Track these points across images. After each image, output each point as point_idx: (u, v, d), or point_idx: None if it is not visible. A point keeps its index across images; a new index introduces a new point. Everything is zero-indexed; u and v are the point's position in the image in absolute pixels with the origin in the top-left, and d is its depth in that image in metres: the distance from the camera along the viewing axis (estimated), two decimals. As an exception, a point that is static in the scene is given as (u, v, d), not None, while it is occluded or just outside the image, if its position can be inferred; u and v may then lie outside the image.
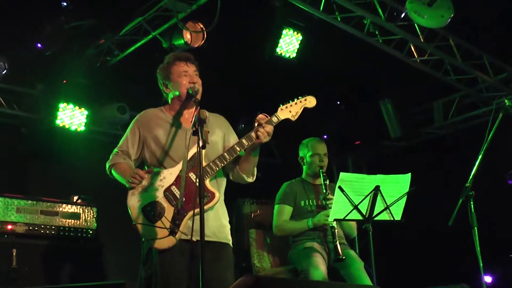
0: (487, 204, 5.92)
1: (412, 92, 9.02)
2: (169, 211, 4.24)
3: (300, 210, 6.21)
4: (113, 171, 4.51)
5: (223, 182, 4.60)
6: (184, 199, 4.13)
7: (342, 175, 5.22)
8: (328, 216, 5.64)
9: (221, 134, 4.63)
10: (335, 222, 5.78)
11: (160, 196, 4.30)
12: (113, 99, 8.06)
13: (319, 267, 5.62)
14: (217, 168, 4.37)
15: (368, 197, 5.20)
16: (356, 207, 5.21)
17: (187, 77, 4.50)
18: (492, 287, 8.06)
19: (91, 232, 6.95)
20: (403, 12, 6.91)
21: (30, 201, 6.59)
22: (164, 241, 4.19)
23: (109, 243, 7.16)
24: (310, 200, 6.21)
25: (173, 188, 4.31)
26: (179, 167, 4.33)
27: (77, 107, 7.85)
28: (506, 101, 5.42)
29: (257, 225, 6.73)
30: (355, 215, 5.27)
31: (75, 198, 7.08)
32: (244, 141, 4.40)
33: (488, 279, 7.98)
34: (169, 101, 4.64)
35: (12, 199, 6.46)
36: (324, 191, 6.05)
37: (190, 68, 4.54)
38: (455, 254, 7.98)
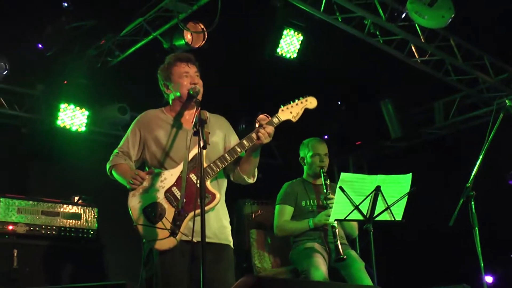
0: (488, 204, 5.92)
1: (412, 92, 9.02)
2: (169, 212, 4.24)
3: (301, 210, 6.21)
4: (113, 172, 4.50)
5: (224, 183, 4.59)
6: (184, 200, 4.13)
7: (343, 175, 5.21)
8: (329, 216, 5.64)
9: (222, 135, 4.62)
10: (336, 221, 5.78)
11: (161, 197, 4.29)
12: (114, 100, 8.07)
13: (320, 268, 5.61)
14: (218, 169, 4.36)
15: (369, 197, 5.20)
16: (357, 207, 5.21)
17: (188, 78, 4.49)
18: (493, 287, 8.07)
19: (92, 232, 6.95)
20: (403, 12, 6.91)
21: (31, 202, 6.59)
22: (164, 242, 4.18)
23: (110, 243, 7.16)
24: (311, 200, 6.21)
25: (174, 189, 4.31)
26: (179, 168, 4.33)
27: (78, 108, 7.86)
28: (506, 101, 5.42)
29: (258, 226, 6.73)
30: (356, 215, 5.26)
31: (76, 198, 7.08)
32: (245, 142, 4.40)
33: (489, 279, 7.97)
34: (170, 102, 4.64)
35: (13, 199, 6.46)
36: (325, 191, 6.05)
37: (191, 69, 4.53)
38: (456, 254, 7.98)
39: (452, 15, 6.66)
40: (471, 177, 4.91)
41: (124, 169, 4.45)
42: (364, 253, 7.04)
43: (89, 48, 7.37)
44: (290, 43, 7.57)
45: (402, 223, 5.32)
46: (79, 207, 6.94)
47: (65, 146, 8.05)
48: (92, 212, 6.99)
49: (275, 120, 4.45)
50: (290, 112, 4.52)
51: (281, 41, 7.47)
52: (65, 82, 7.65)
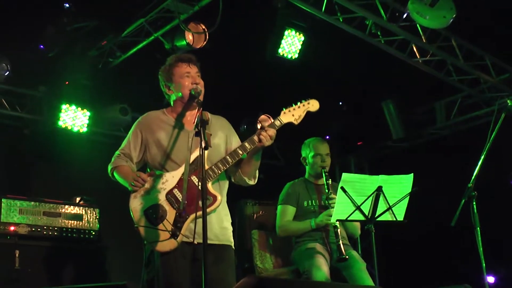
0: (490, 204, 5.92)
1: (414, 92, 9.01)
2: (171, 214, 4.24)
3: (303, 211, 6.21)
4: (115, 174, 4.50)
5: (226, 185, 4.59)
6: (186, 202, 4.13)
7: (344, 175, 5.21)
8: (330, 216, 5.64)
9: (224, 137, 4.62)
10: (338, 222, 5.78)
11: (162, 199, 4.30)
12: (115, 101, 8.07)
13: (322, 268, 5.62)
14: (219, 172, 4.36)
15: (371, 197, 5.20)
16: (358, 208, 5.21)
17: (189, 78, 4.49)
18: (494, 288, 8.08)
19: (93, 233, 6.95)
20: (405, 12, 6.90)
21: (32, 202, 6.59)
22: (165, 244, 4.19)
23: (111, 244, 7.16)
24: (313, 201, 6.22)
25: (175, 191, 4.31)
26: (181, 170, 4.34)
27: (79, 109, 7.84)
28: (508, 101, 5.41)
29: (259, 226, 6.74)
30: (358, 216, 5.26)
31: (78, 199, 7.08)
32: (246, 144, 4.40)
33: (490, 279, 7.97)
34: (171, 103, 4.64)
35: (14, 200, 6.47)
36: (327, 191, 6.05)
37: (192, 69, 4.53)
38: (458, 255, 7.98)
39: (454, 15, 6.66)
40: (473, 177, 4.91)
41: (126, 171, 4.45)
42: (366, 253, 7.06)
43: (91, 49, 7.36)
44: (291, 44, 7.56)
45: (404, 224, 5.31)
46: (81, 208, 6.94)
47: (67, 147, 8.04)
48: (94, 213, 6.99)
49: (277, 122, 4.45)
50: (292, 114, 4.53)
51: (283, 41, 7.45)
52: (67, 83, 7.64)
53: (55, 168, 8.14)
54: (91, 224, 6.94)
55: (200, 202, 3.79)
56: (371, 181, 5.21)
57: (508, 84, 8.30)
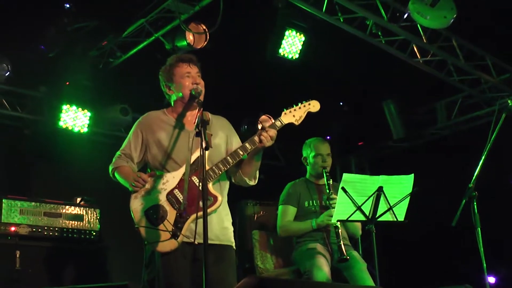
0: (491, 205, 5.92)
1: (414, 92, 9.01)
2: (171, 215, 4.24)
3: (304, 211, 6.22)
4: (116, 174, 4.50)
5: (226, 185, 4.59)
6: (186, 202, 4.13)
7: (345, 176, 5.21)
8: (331, 216, 5.64)
9: (224, 137, 4.61)
10: (339, 222, 5.78)
11: (162, 199, 4.30)
12: (116, 101, 8.07)
13: (323, 268, 5.62)
14: (220, 172, 4.36)
15: (371, 198, 5.20)
16: (359, 208, 5.21)
17: (190, 78, 4.49)
18: (495, 288, 8.07)
19: (94, 233, 6.95)
20: (405, 12, 6.90)
21: (33, 203, 6.60)
22: (166, 244, 4.19)
23: (112, 244, 7.16)
24: (314, 201, 6.22)
25: (176, 191, 4.31)
26: (182, 170, 4.33)
27: (80, 109, 7.85)
28: (509, 101, 5.41)
29: (260, 226, 6.75)
30: (358, 216, 5.26)
31: (78, 199, 7.08)
32: (247, 145, 4.40)
33: (491, 279, 7.96)
34: (172, 103, 4.63)
35: (15, 201, 6.47)
36: (328, 191, 6.05)
37: (192, 69, 4.53)
38: (459, 255, 7.98)
39: (454, 16, 6.66)
40: (474, 178, 4.91)
41: (127, 172, 4.45)
42: (366, 253, 7.06)
43: (91, 49, 7.36)
44: (292, 44, 7.56)
45: (404, 224, 5.31)
46: (81, 208, 6.94)
47: (67, 148, 8.04)
48: (94, 213, 6.99)
49: (278, 123, 4.45)
50: (293, 115, 4.52)
51: (283, 41, 7.45)
52: (67, 83, 7.64)
53: (56, 168, 8.14)
54: (91, 225, 6.94)
55: (200, 203, 3.78)
56: (372, 182, 5.21)
57: (509, 84, 8.30)
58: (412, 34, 7.33)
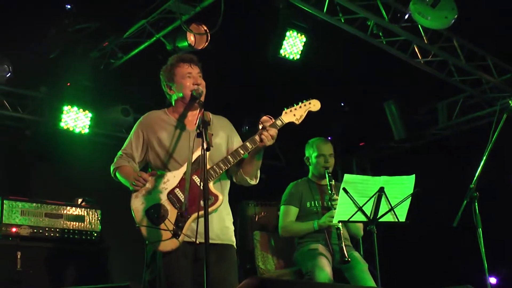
0: (492, 205, 5.91)
1: (416, 93, 9.01)
2: (172, 214, 4.24)
3: (306, 211, 6.21)
4: (117, 174, 4.50)
5: (227, 184, 4.59)
6: (187, 201, 4.13)
7: (346, 176, 5.21)
8: (333, 217, 5.63)
9: (225, 137, 4.61)
10: (340, 223, 5.78)
11: (163, 198, 4.29)
12: (117, 102, 8.07)
13: (325, 269, 5.62)
14: (221, 171, 4.36)
15: (373, 198, 5.19)
16: (360, 209, 5.20)
17: (191, 78, 4.48)
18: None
19: (95, 234, 6.95)
20: (406, 13, 6.90)
21: (34, 204, 6.59)
22: (167, 244, 4.19)
23: (113, 245, 7.16)
24: (316, 201, 6.21)
25: (177, 190, 4.31)
26: (183, 169, 4.33)
27: (81, 110, 7.86)
28: (510, 101, 5.40)
29: (261, 227, 6.74)
30: (360, 217, 5.26)
31: (80, 200, 7.08)
32: (248, 144, 4.39)
33: (493, 280, 7.96)
34: (173, 103, 4.63)
35: (16, 201, 6.47)
36: (330, 192, 6.05)
37: (194, 69, 4.52)
38: (460, 255, 7.97)
39: (455, 16, 6.65)
40: (475, 178, 4.90)
41: (128, 171, 4.44)
42: (367, 254, 7.05)
43: (92, 50, 7.37)
44: (293, 45, 7.56)
45: (406, 224, 5.31)
46: (83, 209, 6.94)
47: (68, 148, 8.05)
48: (96, 214, 6.99)
49: (279, 122, 4.44)
50: (294, 114, 4.51)
51: (284, 42, 7.46)
52: (68, 84, 7.65)
53: (57, 169, 8.15)
54: (93, 226, 6.95)
55: (201, 202, 3.78)
56: (373, 182, 5.21)
57: (510, 85, 8.30)
58: (413, 34, 7.34)
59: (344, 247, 5.72)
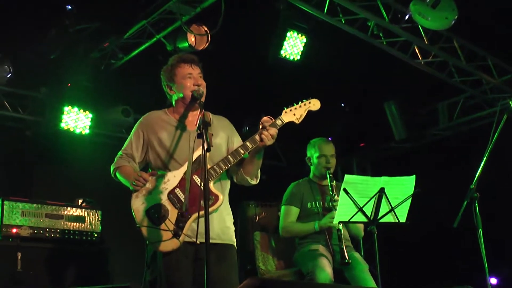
0: (492, 205, 5.91)
1: (416, 93, 9.02)
2: (173, 214, 4.24)
3: (307, 212, 6.20)
4: (117, 174, 4.51)
5: (227, 184, 4.59)
6: (188, 201, 4.13)
7: (347, 177, 5.20)
8: (333, 218, 5.63)
9: (225, 137, 4.61)
10: (341, 225, 5.78)
11: (164, 198, 4.29)
12: (118, 102, 8.07)
13: (326, 269, 5.61)
14: (221, 171, 4.36)
15: (373, 199, 5.18)
16: (361, 209, 5.20)
17: (191, 79, 4.48)
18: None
19: (96, 235, 6.94)
20: (407, 14, 6.91)
21: (34, 205, 6.58)
22: (168, 244, 4.19)
23: (114, 246, 7.15)
24: (317, 202, 6.20)
25: (177, 190, 4.31)
26: (183, 169, 4.33)
27: (81, 110, 7.86)
28: (510, 102, 5.43)
29: (261, 228, 6.73)
30: (360, 218, 5.25)
31: (80, 201, 7.07)
32: (248, 143, 4.39)
33: (493, 280, 7.96)
34: (173, 103, 4.63)
35: (16, 202, 6.45)
36: (331, 193, 6.04)
37: (194, 70, 4.52)
38: (460, 256, 7.97)
39: (456, 17, 6.66)
40: (475, 179, 4.90)
41: (128, 171, 4.45)
42: (368, 254, 7.04)
43: (93, 51, 7.38)
44: (293, 45, 7.57)
45: (406, 225, 5.30)
46: (83, 209, 6.93)
47: (69, 149, 8.05)
48: (96, 214, 6.98)
49: (279, 122, 4.44)
50: (294, 114, 4.51)
51: (285, 43, 7.47)
52: (69, 84, 7.66)
53: (57, 170, 8.15)
54: (93, 226, 6.94)
55: (202, 202, 3.78)
56: (374, 183, 5.20)
57: (510, 85, 8.30)
58: (413, 35, 7.35)
59: (344, 248, 5.71)
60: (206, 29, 6.93)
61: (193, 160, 4.28)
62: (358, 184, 5.21)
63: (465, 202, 4.82)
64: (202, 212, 3.82)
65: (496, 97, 8.50)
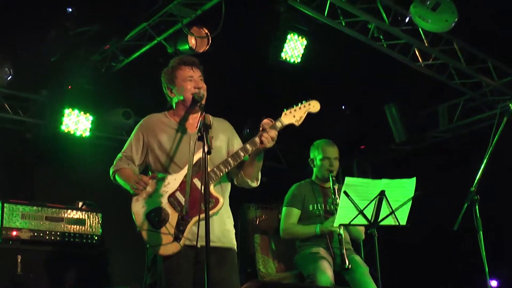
0: (492, 208, 5.91)
1: (416, 96, 9.02)
2: (173, 217, 4.23)
3: (308, 214, 6.19)
4: (117, 177, 4.49)
5: (228, 187, 4.58)
6: (188, 205, 4.13)
7: (347, 179, 5.20)
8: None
9: (225, 139, 4.60)
10: (342, 229, 5.77)
11: (164, 202, 4.28)
12: (118, 105, 8.07)
13: (326, 272, 5.61)
14: (221, 174, 4.35)
15: (373, 201, 5.18)
16: (361, 212, 5.19)
17: (192, 82, 4.47)
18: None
19: (96, 238, 6.94)
20: (407, 16, 6.91)
21: (35, 207, 6.57)
22: (168, 247, 4.18)
23: (114, 249, 7.14)
24: (319, 204, 6.19)
25: (177, 194, 4.30)
26: (183, 172, 4.32)
27: (82, 113, 7.86)
28: (510, 104, 5.42)
29: (262, 230, 6.72)
30: (361, 220, 5.24)
31: (80, 204, 7.07)
32: (248, 146, 4.39)
33: (493, 283, 7.96)
34: (173, 105, 4.62)
35: (17, 205, 6.45)
36: (333, 196, 6.03)
37: (195, 72, 4.51)
38: (461, 258, 7.97)
39: (456, 19, 6.66)
40: (475, 181, 4.90)
41: (128, 174, 4.43)
42: (368, 257, 7.04)
43: (94, 53, 7.37)
44: (294, 48, 7.57)
45: (406, 227, 5.30)
46: (83, 212, 6.92)
47: (69, 151, 8.06)
48: (96, 217, 6.98)
49: (278, 124, 4.42)
50: (293, 116, 4.50)
51: (285, 45, 7.47)
52: (70, 87, 7.66)
53: (58, 172, 8.15)
54: (93, 229, 6.93)
55: (202, 205, 3.77)
56: (374, 185, 5.20)
57: (510, 88, 8.30)
58: (413, 37, 7.35)
59: (345, 253, 5.71)
60: (206, 31, 6.94)
61: (194, 163, 4.28)
62: (358, 187, 5.20)
63: (466, 204, 4.82)
64: (202, 215, 3.81)
65: (496, 99, 8.51)
